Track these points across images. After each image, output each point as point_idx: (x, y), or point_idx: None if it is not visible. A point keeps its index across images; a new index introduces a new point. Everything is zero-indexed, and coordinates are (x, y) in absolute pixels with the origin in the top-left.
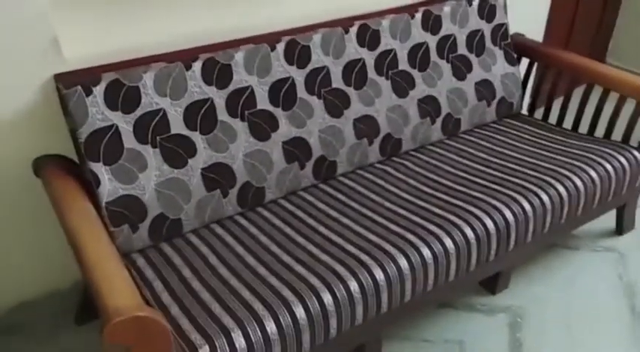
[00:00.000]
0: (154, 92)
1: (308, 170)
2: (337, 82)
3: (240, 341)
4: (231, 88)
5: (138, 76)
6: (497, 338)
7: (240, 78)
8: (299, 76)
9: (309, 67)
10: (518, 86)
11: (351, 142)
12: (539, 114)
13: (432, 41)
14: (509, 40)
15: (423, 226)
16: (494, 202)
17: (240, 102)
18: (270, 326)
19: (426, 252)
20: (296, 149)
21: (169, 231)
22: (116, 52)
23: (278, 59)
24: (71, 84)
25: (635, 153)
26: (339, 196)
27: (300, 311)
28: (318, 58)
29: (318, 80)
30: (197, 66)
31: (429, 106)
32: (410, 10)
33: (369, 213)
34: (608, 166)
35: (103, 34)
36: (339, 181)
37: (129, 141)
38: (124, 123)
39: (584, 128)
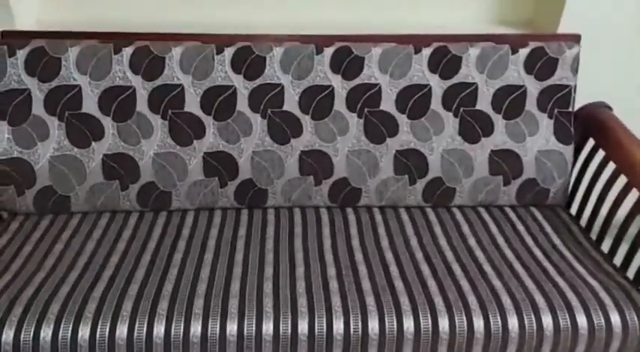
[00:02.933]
0: (75, 68)
1: (229, 190)
2: (291, 105)
3: None
4: (159, 82)
5: (64, 48)
6: None
7: (173, 74)
8: (244, 86)
9: (260, 81)
10: (563, 171)
11: (291, 175)
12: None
13: (438, 86)
14: (570, 109)
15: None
16: (388, 305)
17: (165, 100)
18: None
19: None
20: (219, 164)
21: (56, 206)
22: (75, 22)
23: (222, 63)
24: (3, 43)
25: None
26: (248, 229)
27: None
28: (273, 73)
29: (266, 97)
30: (127, 51)
31: (410, 162)
32: (419, 41)
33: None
34: (598, 320)
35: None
36: (265, 211)
37: (37, 108)
38: (38, 91)
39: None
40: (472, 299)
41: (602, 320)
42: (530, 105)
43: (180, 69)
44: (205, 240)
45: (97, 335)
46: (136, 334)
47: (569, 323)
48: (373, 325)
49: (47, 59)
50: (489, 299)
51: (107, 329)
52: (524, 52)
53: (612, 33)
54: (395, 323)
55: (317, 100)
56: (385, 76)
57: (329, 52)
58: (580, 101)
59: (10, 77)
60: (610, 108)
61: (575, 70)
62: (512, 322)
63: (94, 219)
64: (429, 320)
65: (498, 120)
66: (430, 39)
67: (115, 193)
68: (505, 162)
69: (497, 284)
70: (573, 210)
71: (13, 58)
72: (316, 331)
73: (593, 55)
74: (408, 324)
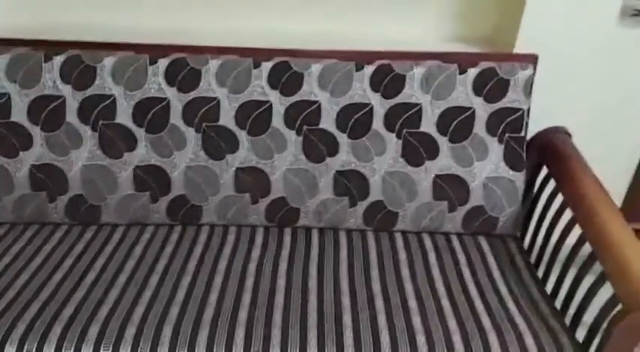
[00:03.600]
0: (4, 75)
1: (161, 206)
2: (227, 119)
3: None
4: (90, 92)
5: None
6: None
7: (104, 84)
8: (179, 100)
9: (197, 93)
10: (514, 199)
11: (227, 193)
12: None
13: (379, 105)
14: (522, 134)
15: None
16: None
17: (96, 111)
18: None
19: None
20: (150, 178)
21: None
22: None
23: (155, 75)
24: None
25: None
26: (183, 246)
27: None
28: (208, 86)
29: (201, 111)
30: (58, 60)
31: (350, 184)
32: (363, 58)
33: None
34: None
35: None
36: (199, 229)
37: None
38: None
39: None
40: (384, 337)
41: None
42: (479, 128)
43: (111, 78)
44: (126, 258)
45: None
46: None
47: None
48: None
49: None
50: (403, 339)
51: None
52: (473, 72)
53: (576, 51)
54: None
55: (254, 116)
56: (325, 93)
57: (267, 66)
58: (542, 125)
59: None
60: (569, 135)
61: (528, 93)
62: None
63: (20, 230)
64: None
65: (444, 144)
66: (374, 56)
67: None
68: (450, 188)
69: (416, 321)
70: (527, 240)
71: None
72: None
73: (556, 75)
74: None
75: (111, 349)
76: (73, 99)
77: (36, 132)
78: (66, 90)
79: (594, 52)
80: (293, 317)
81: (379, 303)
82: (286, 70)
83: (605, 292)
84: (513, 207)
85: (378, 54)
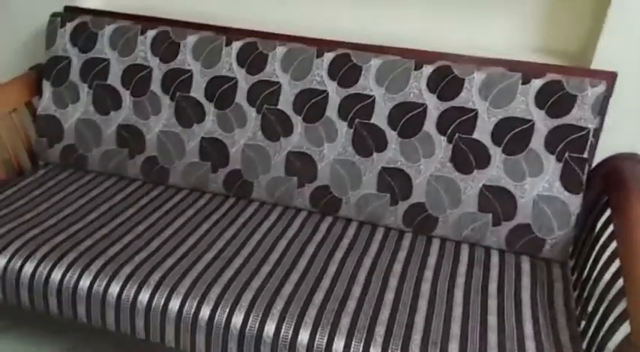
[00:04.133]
0: (108, 43)
1: (219, 176)
2: (286, 105)
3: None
4: (173, 65)
5: (102, 25)
6: None
7: (185, 59)
8: (246, 81)
9: (261, 76)
10: (565, 223)
11: (277, 173)
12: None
13: (434, 107)
14: (584, 155)
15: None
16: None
17: (177, 82)
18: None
19: None
20: (213, 150)
21: (76, 162)
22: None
23: (228, 55)
24: (60, 15)
25: None
26: (222, 216)
27: None
28: (273, 71)
29: (264, 93)
30: (150, 34)
31: (394, 182)
32: (423, 58)
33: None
34: None
35: None
36: (249, 202)
37: (74, 74)
38: (76, 60)
39: None
40: (380, 330)
41: None
42: (537, 143)
43: (192, 55)
44: (177, 217)
45: (36, 274)
46: (65, 280)
47: None
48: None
49: (88, 33)
50: (398, 336)
51: (46, 270)
52: (537, 83)
53: None
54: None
55: (310, 103)
56: (381, 89)
57: (329, 57)
58: (617, 150)
59: (58, 45)
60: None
61: (597, 111)
62: None
63: (102, 179)
64: (325, 341)
65: (497, 154)
66: (437, 56)
67: (124, 160)
68: (497, 200)
69: (418, 321)
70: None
71: (62, 29)
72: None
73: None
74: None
75: (165, 296)
76: (158, 71)
77: (126, 96)
78: (154, 62)
79: None
80: (300, 294)
81: (389, 296)
82: (346, 62)
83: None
84: (564, 231)
85: (440, 55)
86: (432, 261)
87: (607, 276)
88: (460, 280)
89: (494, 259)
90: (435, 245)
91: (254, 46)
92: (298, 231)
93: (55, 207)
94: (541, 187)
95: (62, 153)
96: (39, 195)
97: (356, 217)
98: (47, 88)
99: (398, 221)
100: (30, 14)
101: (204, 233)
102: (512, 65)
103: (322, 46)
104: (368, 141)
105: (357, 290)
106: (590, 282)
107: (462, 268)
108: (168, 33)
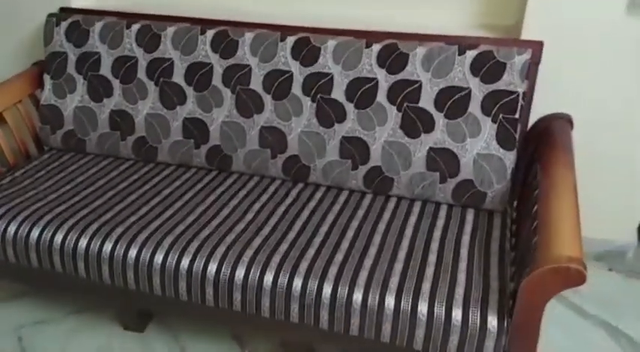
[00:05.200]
0: (98, 38)
1: (201, 151)
2: (256, 84)
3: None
4: (156, 54)
5: (92, 22)
6: None
7: (166, 49)
8: (220, 65)
9: (234, 60)
10: (502, 176)
11: (252, 146)
12: None
13: (384, 80)
14: (516, 116)
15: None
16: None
17: (160, 69)
18: None
19: None
20: (195, 129)
21: (76, 145)
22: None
23: (205, 43)
24: (55, 15)
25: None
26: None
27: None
28: (243, 55)
29: (237, 75)
30: (135, 28)
31: (353, 149)
32: (372, 37)
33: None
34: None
35: None
36: (229, 174)
37: (71, 67)
38: (72, 54)
39: None
40: (333, 270)
41: (443, 312)
42: (474, 107)
43: (171, 45)
44: (166, 188)
45: (42, 238)
46: (67, 242)
47: (409, 307)
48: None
49: (80, 30)
50: (348, 274)
51: (49, 234)
52: (471, 54)
53: (584, 40)
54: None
55: (278, 82)
56: (337, 67)
57: (291, 40)
58: (550, 111)
59: (55, 42)
60: (570, 122)
61: (524, 76)
62: (357, 296)
63: (99, 160)
64: (286, 281)
65: (440, 119)
66: (384, 36)
67: (116, 142)
68: (442, 160)
69: (367, 263)
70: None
71: (57, 28)
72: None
73: (564, 63)
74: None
75: (150, 251)
76: (143, 60)
77: (116, 84)
78: (139, 52)
79: (602, 41)
80: (269, 244)
81: (344, 245)
82: (306, 44)
83: None
84: (501, 185)
85: (389, 34)
86: (386, 215)
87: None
88: (409, 230)
89: (442, 212)
90: (392, 203)
91: (225, 34)
92: (271, 196)
93: (57, 185)
94: (480, 146)
95: (63, 139)
96: (43, 175)
97: (323, 182)
98: (48, 80)
99: (359, 183)
100: (29, 16)
101: (188, 200)
102: (450, 39)
103: (285, 31)
104: (329, 113)
105: (317, 241)
106: (521, 228)
107: (412, 220)
108: (150, 26)
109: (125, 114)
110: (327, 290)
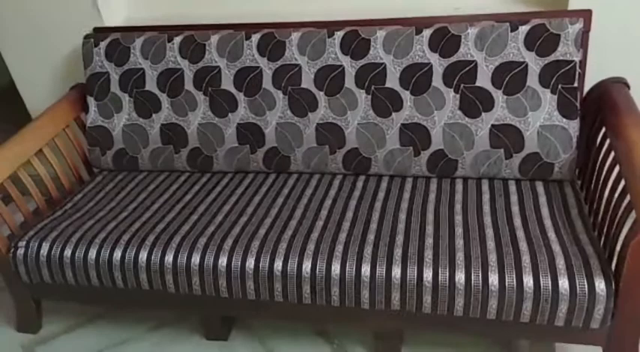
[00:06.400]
0: (140, 54)
1: (258, 155)
2: (308, 83)
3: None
4: (202, 64)
5: (132, 39)
6: None
7: (212, 57)
8: (269, 68)
9: (282, 61)
10: (568, 146)
11: (310, 145)
12: None
13: (438, 64)
14: (575, 84)
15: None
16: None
17: (207, 78)
18: None
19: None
20: (250, 133)
21: (128, 164)
22: (150, 19)
23: (250, 47)
24: (92, 36)
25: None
26: (265, 189)
27: None
28: (292, 55)
29: (287, 75)
30: (177, 40)
31: (414, 135)
32: (421, 23)
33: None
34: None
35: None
36: (289, 175)
37: (114, 86)
38: (114, 73)
39: None
40: (428, 254)
41: (549, 282)
42: (532, 81)
43: (217, 52)
44: (231, 194)
45: (126, 258)
46: (152, 258)
47: (514, 281)
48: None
49: (121, 48)
50: (445, 255)
51: (133, 253)
52: (524, 29)
53: (633, 5)
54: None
55: (330, 78)
56: (389, 56)
57: (339, 35)
58: (603, 77)
59: (96, 63)
60: (627, 85)
61: (579, 45)
62: (459, 276)
63: (154, 175)
64: (385, 268)
65: (499, 96)
66: (432, 21)
67: (170, 156)
68: (506, 136)
69: (459, 243)
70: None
71: (97, 48)
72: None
73: (613, 29)
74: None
75: (213, 255)
76: (189, 71)
77: (164, 98)
78: (184, 63)
79: None
80: (355, 236)
81: (430, 229)
82: (355, 37)
83: None
84: (568, 154)
85: (436, 19)
86: (459, 197)
87: (610, 185)
88: (486, 208)
89: (512, 188)
90: (459, 184)
91: (271, 36)
92: (338, 190)
93: (122, 204)
94: (542, 118)
95: (114, 158)
96: (104, 196)
97: (385, 172)
98: (92, 102)
99: (423, 169)
100: (60, 41)
101: (257, 204)
102: (499, 17)
103: (332, 26)
104: (385, 103)
105: (401, 228)
106: (598, 193)
107: (486, 198)
108: (192, 36)
109: (176, 127)
110: (429, 273)
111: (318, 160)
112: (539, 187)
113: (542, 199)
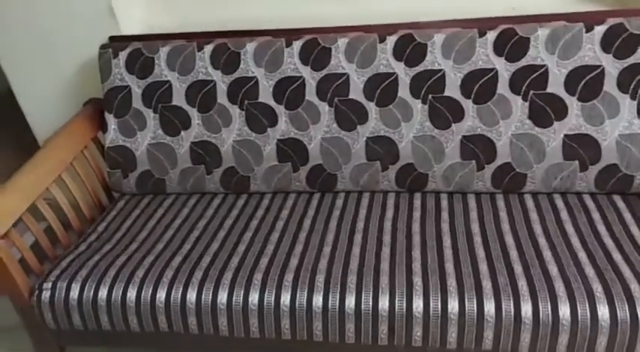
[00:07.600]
0: (165, 65)
1: (301, 174)
2: (356, 93)
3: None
4: (237, 75)
5: (156, 49)
6: None
7: (247, 67)
8: (312, 78)
9: (327, 70)
10: None
11: (359, 161)
12: None
13: (504, 69)
14: None
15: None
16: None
17: (243, 90)
18: None
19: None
20: (291, 149)
21: (154, 187)
22: (171, 25)
23: (291, 56)
24: (109, 46)
25: None
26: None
27: None
28: (338, 63)
29: (333, 86)
30: (208, 48)
31: (477, 148)
32: (484, 24)
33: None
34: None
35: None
36: (335, 194)
37: (137, 102)
38: (136, 87)
39: None
40: (522, 285)
41: None
42: (610, 86)
43: (253, 61)
44: (275, 220)
45: (171, 298)
46: (202, 298)
47: (627, 314)
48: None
49: (144, 59)
50: (541, 286)
51: (179, 293)
52: (600, 30)
53: None
54: (419, 302)
55: (381, 88)
56: (448, 62)
57: (392, 40)
58: None
59: (115, 76)
60: None
61: None
62: (564, 309)
63: (185, 199)
64: (475, 303)
65: (573, 103)
66: (497, 22)
67: (202, 176)
68: (581, 147)
69: (552, 269)
70: None
71: (116, 59)
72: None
73: None
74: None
75: (274, 292)
76: (222, 83)
77: (193, 113)
78: (216, 75)
79: None
80: (431, 266)
81: (513, 255)
82: (410, 41)
83: None
84: None
85: (501, 20)
86: (534, 215)
87: None
88: (568, 227)
89: (590, 203)
90: (529, 201)
91: (315, 43)
92: (395, 210)
93: (155, 233)
94: (621, 127)
95: (138, 181)
96: (132, 224)
97: (444, 189)
98: (111, 120)
99: (487, 184)
100: (70, 53)
101: (310, 230)
102: (569, 18)
103: (383, 31)
104: (444, 113)
105: (480, 252)
106: None
107: (564, 216)
108: (226, 45)
109: (208, 144)
110: (527, 308)
111: (369, 178)
112: (619, 202)
113: (627, 216)
